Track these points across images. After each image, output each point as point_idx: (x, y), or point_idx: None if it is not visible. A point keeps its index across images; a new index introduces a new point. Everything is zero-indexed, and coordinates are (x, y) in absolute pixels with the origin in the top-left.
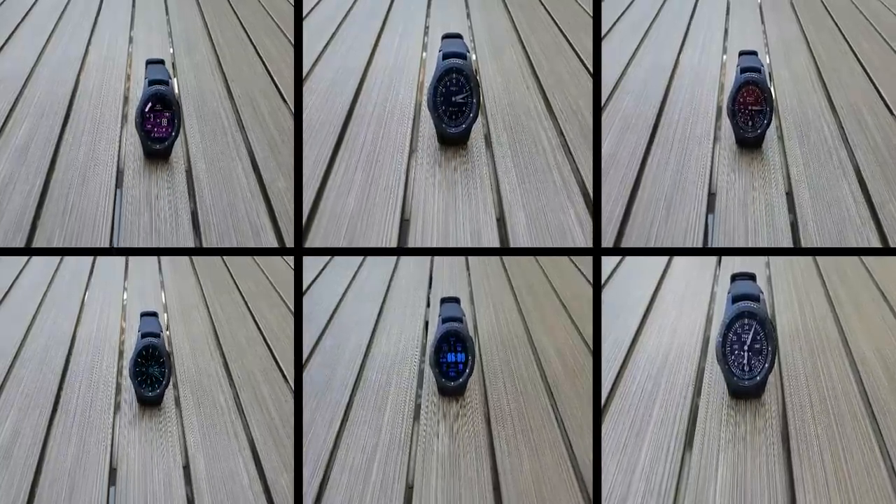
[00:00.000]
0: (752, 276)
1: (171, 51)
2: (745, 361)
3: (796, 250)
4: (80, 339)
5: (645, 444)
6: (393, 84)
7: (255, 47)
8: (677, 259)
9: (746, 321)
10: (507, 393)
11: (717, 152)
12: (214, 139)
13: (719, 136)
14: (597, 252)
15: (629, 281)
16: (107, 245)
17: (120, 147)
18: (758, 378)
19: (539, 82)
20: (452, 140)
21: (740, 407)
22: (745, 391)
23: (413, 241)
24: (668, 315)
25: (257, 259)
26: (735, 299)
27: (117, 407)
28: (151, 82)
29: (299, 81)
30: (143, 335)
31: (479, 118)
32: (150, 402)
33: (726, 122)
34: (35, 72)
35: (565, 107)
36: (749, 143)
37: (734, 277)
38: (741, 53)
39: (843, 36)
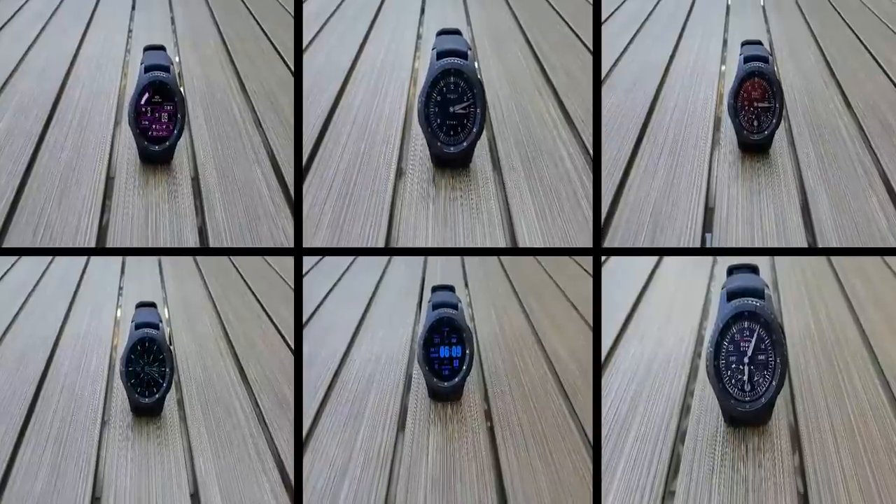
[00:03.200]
0: (753, 269)
1: (176, 43)
2: (746, 378)
3: (811, 250)
4: (65, 340)
5: (613, 490)
6: (378, 92)
7: (268, 37)
8: (667, 263)
9: (747, 325)
10: (513, 395)
11: (715, 158)
12: (227, 140)
13: (718, 139)
14: (597, 252)
15: (613, 283)
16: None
17: (112, 150)
18: (763, 400)
19: (551, 84)
20: (451, 161)
21: (739, 438)
22: (745, 417)
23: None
24: (653, 323)
25: (268, 259)
26: (731, 296)
27: (105, 417)
28: (149, 68)
29: (299, 77)
30: (138, 325)
31: (485, 133)
32: (146, 410)
33: (727, 123)
34: (22, 65)
35: (584, 111)
36: (754, 146)
37: (731, 270)
38: (744, 43)
39: (854, 32)
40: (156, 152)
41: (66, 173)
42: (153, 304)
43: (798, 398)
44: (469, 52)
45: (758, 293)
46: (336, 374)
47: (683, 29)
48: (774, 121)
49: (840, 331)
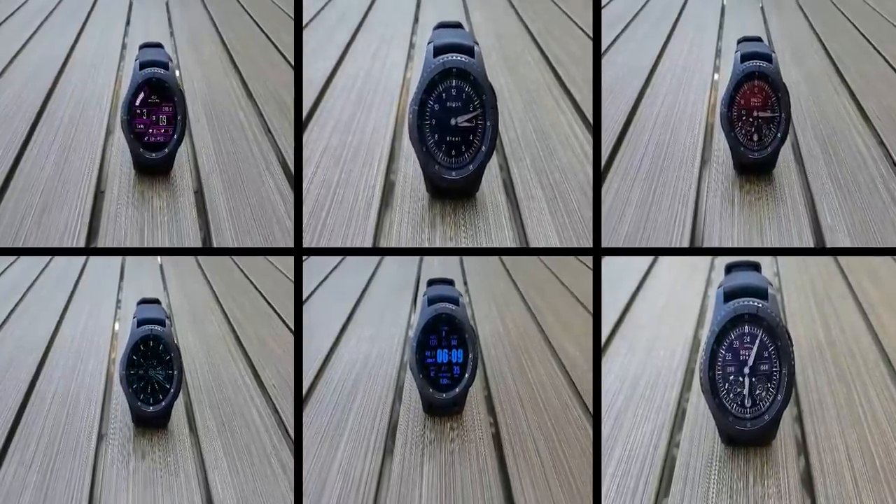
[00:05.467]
0: (755, 266)
1: (174, 46)
2: (746, 392)
3: (818, 250)
4: (58, 344)
5: None
6: (362, 102)
7: (270, 39)
8: (661, 266)
9: (747, 330)
10: (524, 408)
11: (704, 181)
12: (233, 147)
13: (709, 157)
14: (597, 252)
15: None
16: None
17: (103, 160)
18: (766, 417)
19: (568, 93)
20: (452, 190)
21: (739, 462)
22: (746, 437)
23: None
24: (644, 328)
25: (271, 259)
26: (729, 295)
27: (102, 429)
28: (144, 64)
29: (299, 73)
30: (141, 322)
31: (496, 154)
32: (151, 420)
33: (720, 137)
34: (10, 67)
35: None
36: (754, 166)
37: (730, 267)
38: (741, 40)
39: (863, 35)
40: (153, 160)
41: (49, 186)
42: (157, 301)
43: (807, 415)
44: (476, 48)
45: (760, 292)
46: (312, 384)
47: (673, 28)
48: (779, 134)
49: (853, 338)
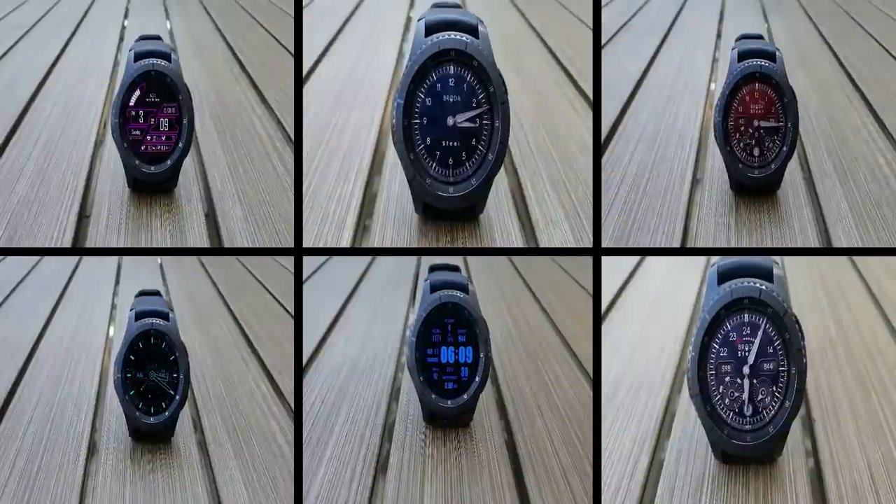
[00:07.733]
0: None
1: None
2: (746, 397)
3: (824, 250)
4: (45, 346)
5: None
6: (339, 103)
7: (278, 41)
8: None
9: (747, 318)
10: (543, 419)
11: (695, 205)
12: (251, 163)
13: (701, 176)
14: (597, 252)
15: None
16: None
17: (90, 177)
18: (770, 430)
19: (580, 91)
20: (448, 211)
21: (737, 481)
22: (745, 453)
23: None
24: (630, 325)
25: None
26: (725, 276)
27: (93, 442)
28: (140, 55)
29: (299, 71)
30: (139, 315)
31: (504, 166)
32: (152, 433)
33: (713, 151)
34: None
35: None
36: (754, 187)
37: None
38: (740, 38)
39: (875, 39)
40: (152, 175)
41: (21, 211)
42: (157, 293)
43: (819, 425)
44: (480, 28)
45: (763, 272)
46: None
47: (667, 34)
48: (784, 148)
49: (869, 334)
